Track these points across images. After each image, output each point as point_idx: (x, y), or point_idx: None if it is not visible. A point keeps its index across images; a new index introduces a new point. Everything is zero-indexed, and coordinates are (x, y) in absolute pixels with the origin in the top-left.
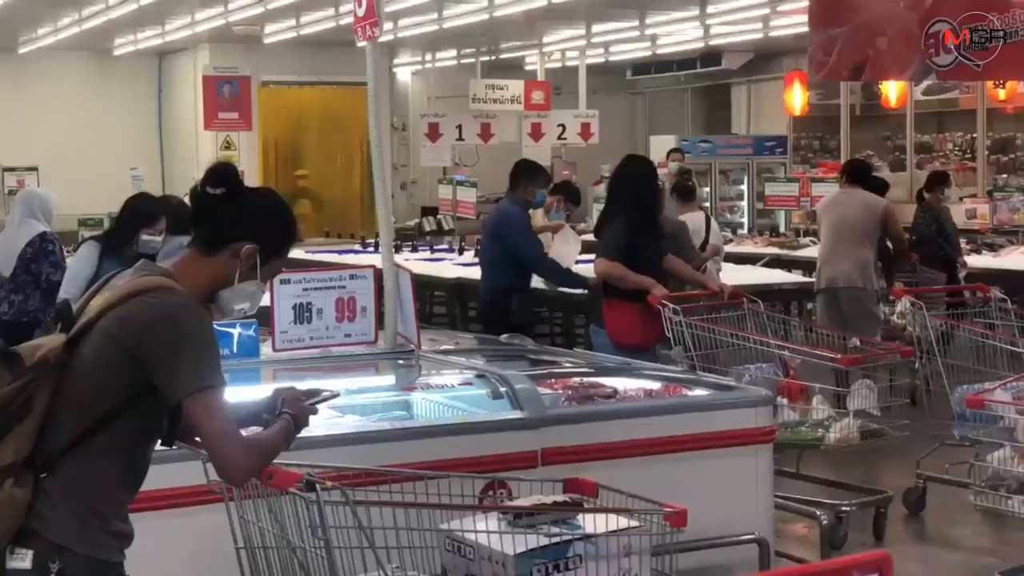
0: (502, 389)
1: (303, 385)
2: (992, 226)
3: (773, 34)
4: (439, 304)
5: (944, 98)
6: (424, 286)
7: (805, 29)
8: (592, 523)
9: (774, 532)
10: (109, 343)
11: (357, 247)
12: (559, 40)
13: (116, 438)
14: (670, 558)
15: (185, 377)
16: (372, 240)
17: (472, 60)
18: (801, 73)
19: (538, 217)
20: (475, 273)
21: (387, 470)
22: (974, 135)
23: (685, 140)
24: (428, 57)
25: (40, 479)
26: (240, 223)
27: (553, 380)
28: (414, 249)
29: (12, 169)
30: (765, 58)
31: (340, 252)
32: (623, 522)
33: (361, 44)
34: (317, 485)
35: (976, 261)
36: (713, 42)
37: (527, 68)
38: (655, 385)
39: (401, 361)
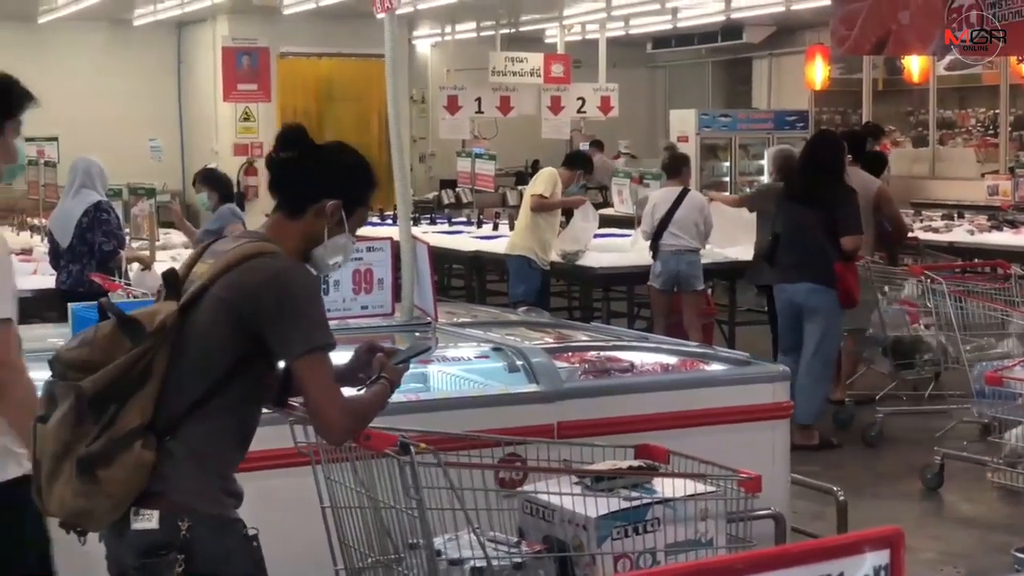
0: (519, 362)
1: (390, 345)
2: (1014, 202)
3: (795, 7)
4: (457, 277)
5: (967, 73)
6: (442, 259)
7: (827, 2)
8: (667, 487)
9: (790, 508)
10: (223, 308)
11: (375, 219)
12: (579, 13)
13: (233, 399)
14: (744, 524)
15: (297, 338)
16: (390, 212)
17: (492, 32)
18: (823, 47)
19: (558, 193)
20: (493, 246)
21: (472, 435)
22: (997, 111)
23: (705, 114)
24: (447, 29)
25: (163, 441)
26: (319, 181)
27: (570, 353)
28: (432, 222)
29: (32, 139)
30: (787, 32)
31: None
32: (698, 487)
33: (380, 16)
34: (411, 447)
35: (998, 238)
36: (734, 15)
37: (547, 41)
38: (672, 359)
39: (418, 333)
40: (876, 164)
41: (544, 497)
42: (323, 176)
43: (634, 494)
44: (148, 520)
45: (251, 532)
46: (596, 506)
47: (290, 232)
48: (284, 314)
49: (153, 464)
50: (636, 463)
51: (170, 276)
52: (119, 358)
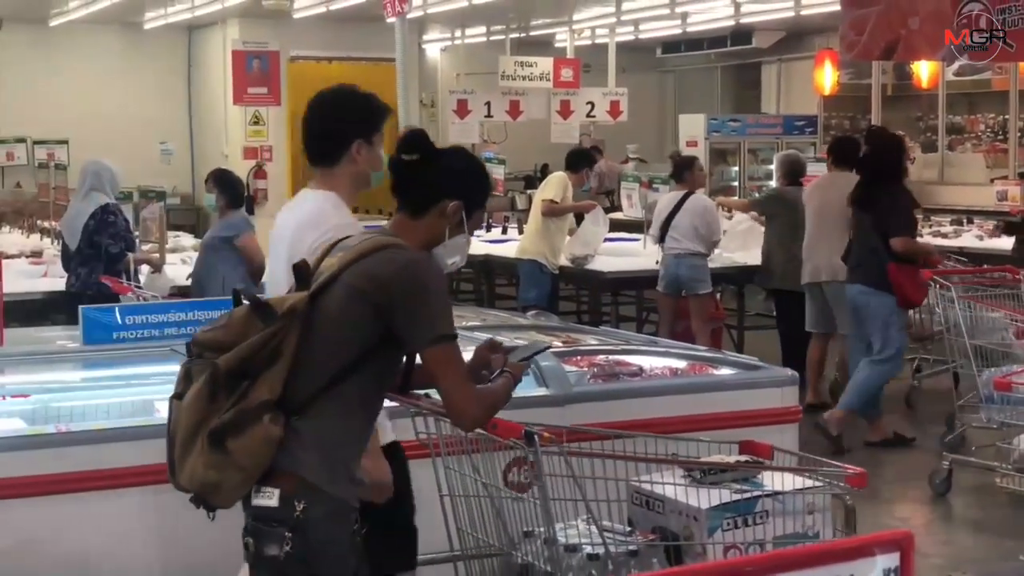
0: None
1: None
2: (1023, 208)
3: (804, 12)
4: (466, 281)
5: (976, 79)
6: None
7: (837, 8)
8: (774, 481)
9: None
10: (354, 295)
11: (384, 222)
12: (589, 17)
13: (359, 385)
14: (851, 518)
15: (426, 326)
16: None
17: (501, 37)
18: (832, 52)
19: (568, 198)
20: (502, 250)
21: (579, 428)
22: (1006, 116)
23: (714, 119)
24: (457, 33)
25: (291, 420)
26: (440, 184)
27: (579, 357)
28: None
29: (42, 142)
30: (796, 37)
31: (367, 227)
32: (803, 482)
33: (390, 20)
34: (536, 437)
35: (1007, 244)
36: (744, 20)
37: (557, 45)
38: (681, 364)
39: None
40: None
41: (656, 488)
42: (445, 178)
43: (744, 487)
44: (269, 497)
45: (357, 527)
46: (708, 498)
47: (412, 231)
48: (414, 304)
49: (280, 441)
50: (742, 458)
51: (300, 268)
52: (252, 338)
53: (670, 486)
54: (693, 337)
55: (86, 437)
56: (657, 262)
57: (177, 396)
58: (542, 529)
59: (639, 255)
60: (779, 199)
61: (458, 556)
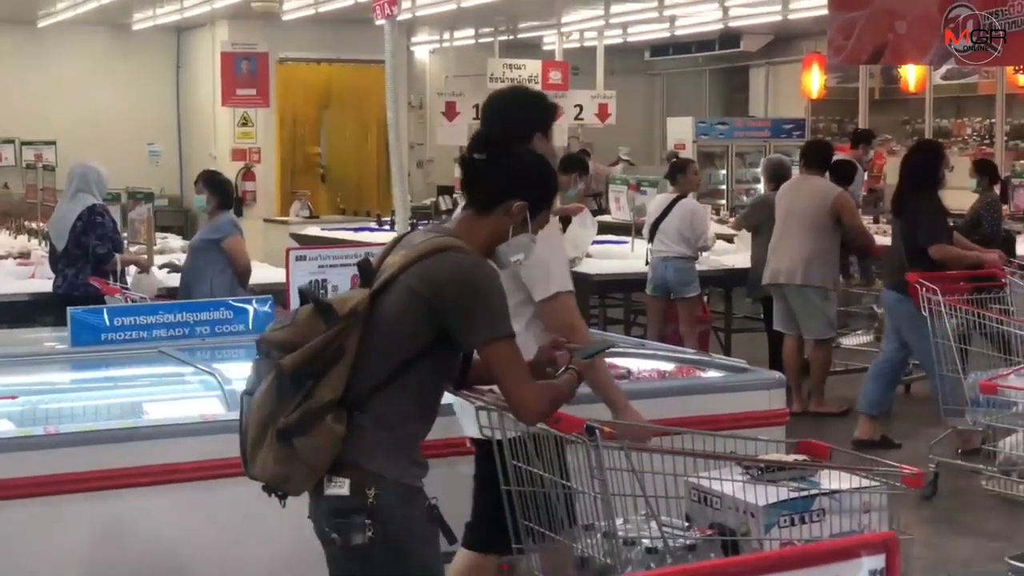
0: None
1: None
2: (1009, 213)
3: (792, 16)
4: None
5: (963, 83)
6: None
7: (825, 12)
8: (831, 481)
9: None
10: (411, 296)
11: (373, 225)
12: (578, 20)
13: (418, 379)
14: (902, 518)
15: (481, 328)
16: (388, 218)
17: (490, 39)
18: (820, 56)
19: (556, 200)
20: None
21: (643, 424)
22: (993, 120)
23: (702, 122)
24: (446, 35)
25: (354, 415)
26: (508, 183)
27: None
28: None
29: (30, 143)
30: (784, 41)
31: (356, 230)
32: (862, 481)
33: (379, 22)
34: (597, 431)
35: None
36: (732, 24)
37: (545, 48)
38: (668, 366)
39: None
40: (844, 172)
41: (714, 485)
42: (512, 178)
43: (801, 485)
44: (340, 487)
45: (432, 501)
46: (766, 495)
47: (478, 228)
48: (469, 305)
49: (344, 436)
50: (800, 457)
51: (364, 266)
52: (315, 338)
53: (728, 483)
54: (681, 340)
55: (75, 439)
56: (647, 263)
57: (247, 393)
58: (602, 523)
59: (627, 258)
60: (764, 205)
61: (519, 548)
